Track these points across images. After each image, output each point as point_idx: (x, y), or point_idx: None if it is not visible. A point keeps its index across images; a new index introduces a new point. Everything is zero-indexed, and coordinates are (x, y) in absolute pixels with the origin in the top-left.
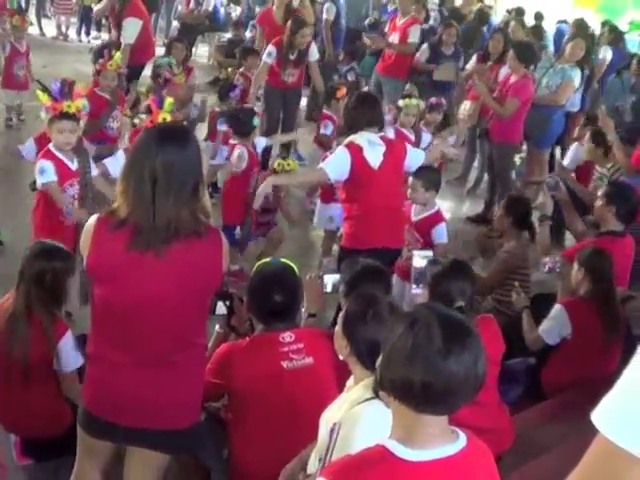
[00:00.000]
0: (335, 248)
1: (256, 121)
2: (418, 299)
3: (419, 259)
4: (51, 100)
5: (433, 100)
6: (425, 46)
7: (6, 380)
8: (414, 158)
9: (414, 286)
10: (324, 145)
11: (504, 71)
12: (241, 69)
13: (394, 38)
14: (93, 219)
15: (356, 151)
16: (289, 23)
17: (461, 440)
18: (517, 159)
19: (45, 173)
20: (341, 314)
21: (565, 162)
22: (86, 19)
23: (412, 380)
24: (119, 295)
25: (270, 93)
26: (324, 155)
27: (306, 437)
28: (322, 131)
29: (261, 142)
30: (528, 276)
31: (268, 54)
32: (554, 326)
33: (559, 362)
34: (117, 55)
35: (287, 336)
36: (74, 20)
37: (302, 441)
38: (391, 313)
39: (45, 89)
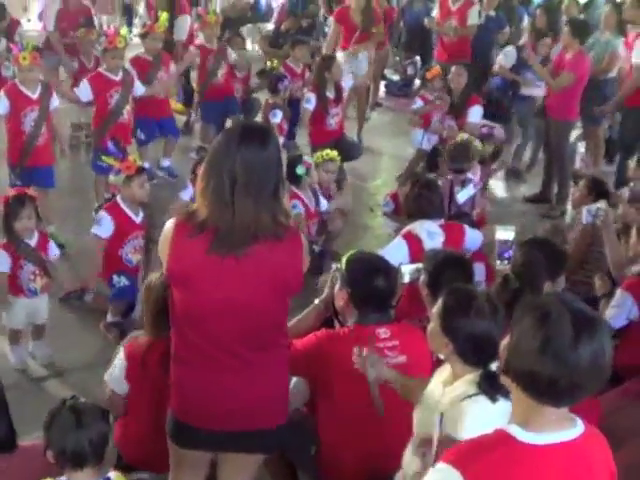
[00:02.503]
0: None
1: (300, 170)
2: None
3: (502, 232)
4: (118, 161)
5: (484, 130)
6: (511, 49)
7: None
8: (472, 240)
9: (498, 262)
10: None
11: (557, 49)
12: (288, 60)
13: (450, 23)
14: (170, 223)
15: (414, 242)
16: (318, 62)
17: (579, 427)
18: (573, 136)
19: (100, 226)
20: (435, 311)
21: None
22: (129, 16)
23: (540, 374)
24: (199, 298)
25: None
26: None
27: (397, 433)
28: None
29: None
30: (603, 255)
31: (307, 101)
32: (620, 312)
33: (630, 345)
34: (163, 16)
35: (383, 332)
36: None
37: (393, 437)
38: (490, 307)
39: (106, 154)
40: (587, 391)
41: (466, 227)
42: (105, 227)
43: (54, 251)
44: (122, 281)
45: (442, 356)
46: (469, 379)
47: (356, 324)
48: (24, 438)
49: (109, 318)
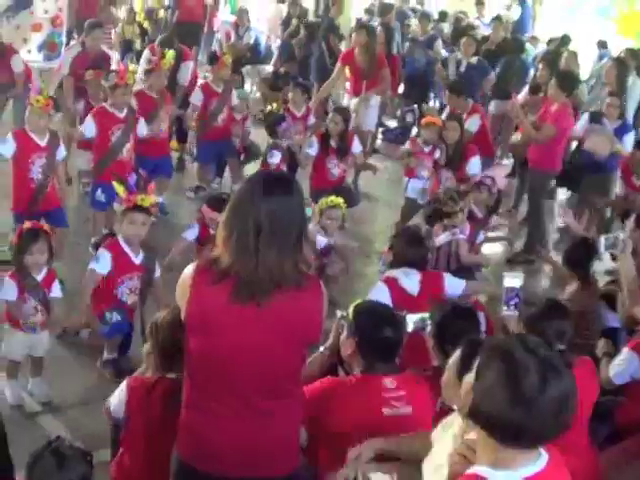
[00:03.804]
0: None
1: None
2: (510, 322)
3: (509, 279)
4: (126, 192)
5: (477, 179)
6: (586, 116)
7: None
8: (453, 286)
9: (505, 308)
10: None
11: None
12: (289, 103)
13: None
14: (190, 268)
15: (393, 283)
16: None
17: (543, 458)
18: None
19: (98, 262)
20: (452, 361)
21: None
22: (127, 52)
23: (510, 422)
24: (218, 346)
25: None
26: None
27: None
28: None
29: (320, 241)
30: (596, 316)
31: (310, 145)
32: (625, 370)
33: (631, 402)
34: (169, 53)
35: (389, 382)
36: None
37: None
38: None
39: (122, 181)
40: (551, 437)
41: (444, 273)
42: (103, 264)
43: (57, 291)
44: (114, 317)
45: (455, 407)
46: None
47: (362, 373)
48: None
49: (105, 355)
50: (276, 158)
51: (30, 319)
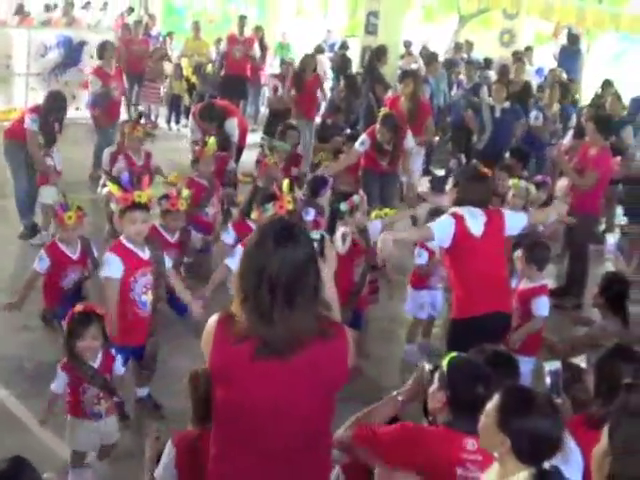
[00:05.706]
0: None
1: (343, 206)
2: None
3: (550, 366)
4: (121, 191)
5: (539, 178)
6: None
7: None
8: (514, 222)
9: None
10: None
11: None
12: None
13: None
14: (214, 320)
15: (459, 219)
16: (380, 125)
17: None
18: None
19: (108, 267)
20: (492, 407)
21: None
22: (175, 107)
23: None
24: (243, 399)
25: (367, 177)
26: None
27: None
28: None
29: (376, 226)
30: None
31: (361, 143)
32: None
33: None
34: (211, 140)
35: (471, 444)
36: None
37: None
38: (550, 405)
39: (115, 180)
40: None
41: (504, 210)
42: (113, 266)
43: (119, 369)
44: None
45: (495, 453)
46: (523, 477)
47: (446, 427)
48: None
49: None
50: (311, 216)
51: (94, 408)
